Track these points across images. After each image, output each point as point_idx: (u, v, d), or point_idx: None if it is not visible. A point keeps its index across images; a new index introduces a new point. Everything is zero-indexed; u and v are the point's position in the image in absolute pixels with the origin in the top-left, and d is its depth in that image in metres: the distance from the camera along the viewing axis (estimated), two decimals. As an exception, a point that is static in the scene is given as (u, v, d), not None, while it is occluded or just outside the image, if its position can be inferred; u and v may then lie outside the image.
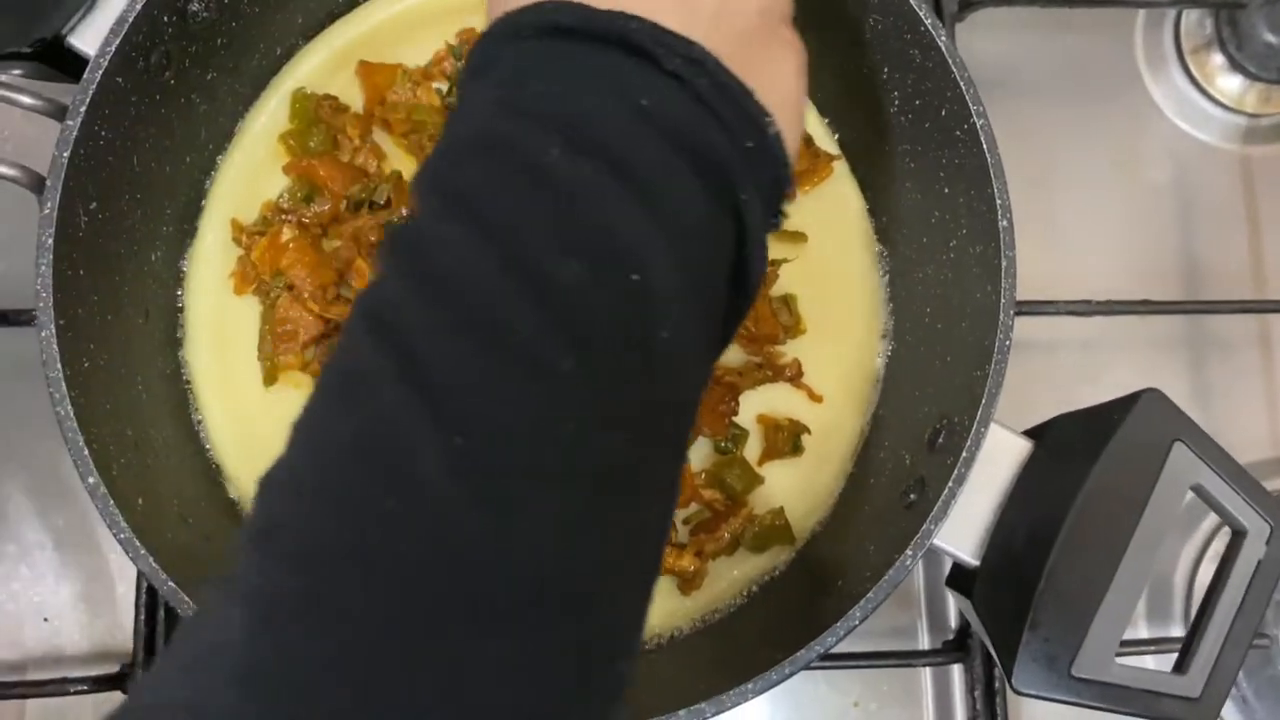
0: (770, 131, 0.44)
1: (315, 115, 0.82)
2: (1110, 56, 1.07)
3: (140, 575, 0.84)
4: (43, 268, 0.65)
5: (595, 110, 0.40)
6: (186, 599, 0.63)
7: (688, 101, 0.41)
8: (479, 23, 0.84)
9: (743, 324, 0.52)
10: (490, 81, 0.43)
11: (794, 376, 0.83)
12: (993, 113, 0.73)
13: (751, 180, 0.43)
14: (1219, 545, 0.98)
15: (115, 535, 0.63)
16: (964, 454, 0.68)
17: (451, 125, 0.44)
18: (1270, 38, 1.03)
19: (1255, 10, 1.02)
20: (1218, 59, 1.05)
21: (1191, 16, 1.06)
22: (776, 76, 0.48)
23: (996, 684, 0.86)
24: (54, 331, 0.64)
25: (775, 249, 0.84)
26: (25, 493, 0.92)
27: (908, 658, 0.91)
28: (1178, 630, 0.96)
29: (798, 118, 0.49)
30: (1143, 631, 0.96)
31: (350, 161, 0.82)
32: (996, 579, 0.68)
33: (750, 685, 0.64)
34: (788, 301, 0.83)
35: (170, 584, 0.63)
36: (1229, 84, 1.05)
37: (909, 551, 0.67)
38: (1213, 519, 0.99)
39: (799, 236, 0.85)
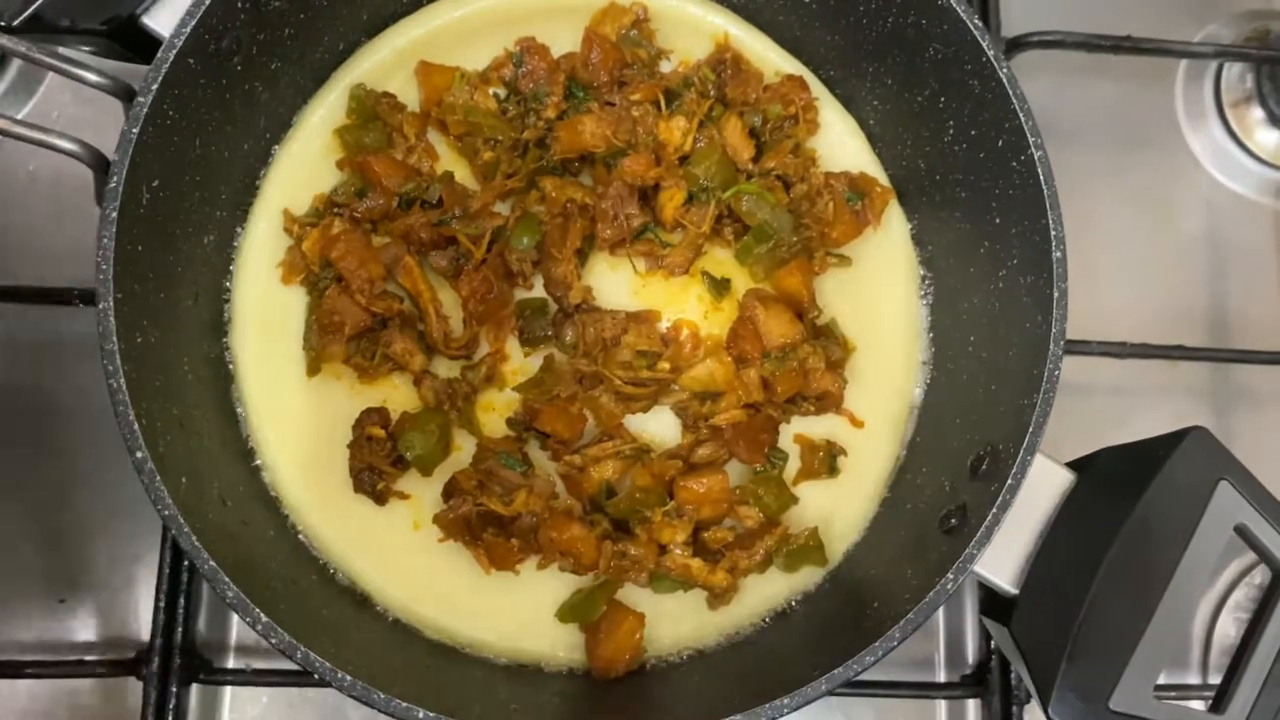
0: None
1: (372, 111, 0.83)
2: (1151, 106, 1.09)
3: (162, 564, 0.84)
4: (105, 240, 0.65)
5: None
6: (227, 579, 0.62)
7: None
8: (539, 31, 0.85)
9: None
10: None
11: (836, 405, 0.83)
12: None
13: None
14: (1240, 596, 0.98)
15: (160, 511, 0.63)
16: (1009, 481, 0.68)
17: None
18: (1310, 95, 1.04)
19: (1296, 68, 1.04)
20: (1258, 113, 1.06)
21: (1233, 70, 1.07)
22: None
23: (1015, 720, 0.86)
24: (111, 304, 0.64)
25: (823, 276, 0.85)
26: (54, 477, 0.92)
27: (925, 689, 0.91)
28: (1195, 678, 0.96)
29: None
30: (1162, 677, 0.95)
31: (404, 160, 0.83)
32: (1036, 608, 0.68)
33: (787, 700, 0.64)
34: (831, 330, 0.84)
35: (210, 563, 0.63)
36: (1268, 139, 1.06)
37: (950, 575, 0.66)
38: (1233, 570, 0.99)
39: (844, 260, 0.85)
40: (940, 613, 0.94)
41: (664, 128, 0.83)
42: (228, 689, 0.89)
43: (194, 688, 0.86)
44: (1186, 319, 1.05)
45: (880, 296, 0.86)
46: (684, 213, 0.83)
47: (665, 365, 0.80)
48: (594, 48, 0.84)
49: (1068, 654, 0.65)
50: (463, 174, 0.84)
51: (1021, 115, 0.71)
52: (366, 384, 0.80)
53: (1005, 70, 0.72)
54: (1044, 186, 0.71)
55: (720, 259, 0.85)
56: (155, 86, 0.67)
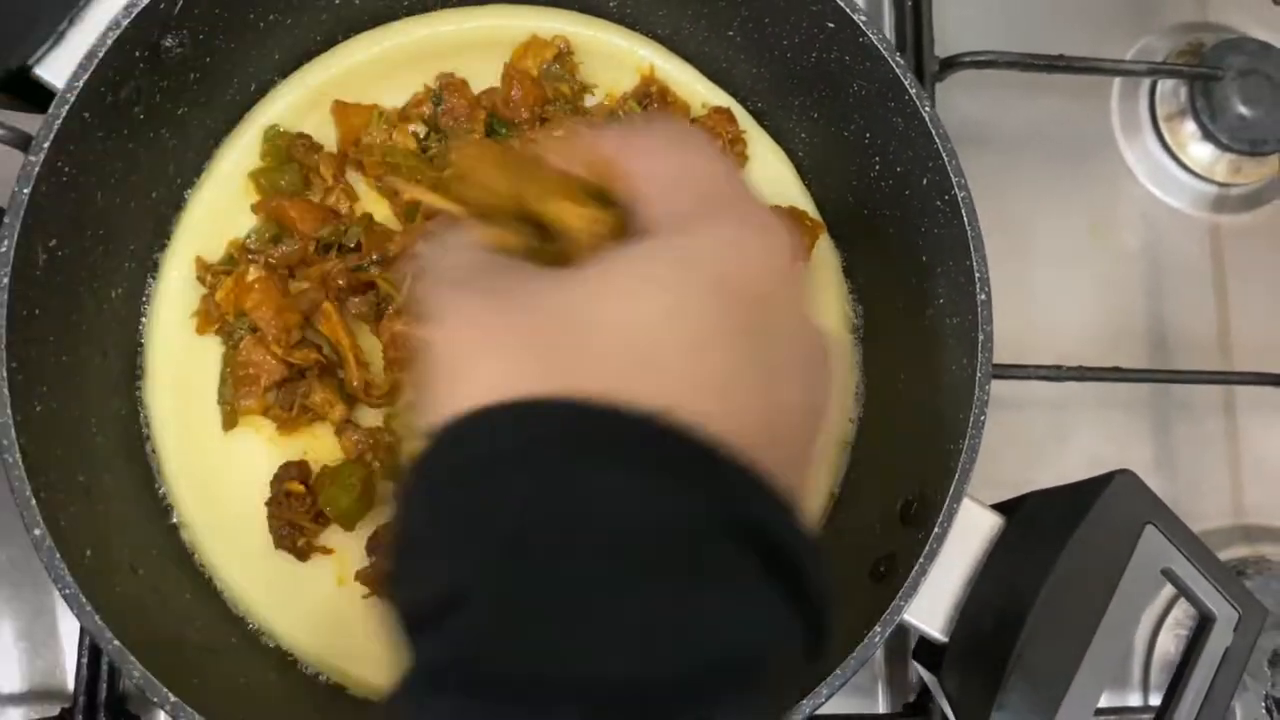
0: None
1: (287, 154, 0.81)
2: (1086, 121, 1.08)
3: (85, 616, 0.82)
4: (-3, 309, 0.62)
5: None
6: (133, 660, 0.60)
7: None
8: (458, 67, 0.83)
9: None
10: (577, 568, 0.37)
11: None
12: (968, 171, 0.72)
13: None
14: (1179, 614, 0.98)
15: (60, 591, 0.61)
16: (935, 529, 0.67)
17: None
18: (1243, 110, 1.04)
19: (1229, 82, 1.04)
20: (1190, 127, 1.06)
21: (1166, 85, 1.07)
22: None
23: (958, 753, 0.86)
24: (5, 375, 0.62)
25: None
26: (-33, 527, 0.89)
27: (867, 721, 0.91)
28: (1135, 698, 0.96)
29: None
30: (1102, 700, 0.95)
31: (321, 202, 0.80)
32: (964, 656, 0.68)
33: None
34: None
35: (116, 643, 0.61)
36: (1201, 153, 1.06)
37: (877, 629, 0.66)
38: (1171, 589, 0.99)
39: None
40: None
41: (588, 164, 0.81)
42: (157, 744, 0.87)
43: (121, 743, 0.84)
44: (1125, 334, 1.05)
45: (813, 329, 0.85)
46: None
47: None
48: (515, 84, 0.82)
49: (996, 704, 0.65)
50: (383, 214, 0.82)
51: (945, 155, 0.71)
52: (286, 435, 0.78)
53: (928, 110, 0.71)
54: (968, 227, 0.70)
55: (650, 296, 0.83)
56: (47, 145, 0.64)
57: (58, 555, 0.61)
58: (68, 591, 0.61)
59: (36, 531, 0.61)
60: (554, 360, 0.39)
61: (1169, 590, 0.99)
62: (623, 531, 0.37)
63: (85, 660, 0.81)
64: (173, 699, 0.61)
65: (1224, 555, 1.00)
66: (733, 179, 0.48)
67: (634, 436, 0.38)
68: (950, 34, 1.01)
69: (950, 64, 0.97)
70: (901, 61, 0.71)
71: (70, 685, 0.85)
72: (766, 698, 0.38)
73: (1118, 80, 1.09)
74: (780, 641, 0.39)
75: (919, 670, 0.71)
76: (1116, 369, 0.95)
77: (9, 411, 0.62)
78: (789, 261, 0.44)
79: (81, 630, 0.82)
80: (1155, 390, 1.04)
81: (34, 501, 0.61)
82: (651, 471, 0.37)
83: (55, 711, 0.86)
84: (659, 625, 0.36)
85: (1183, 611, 1.00)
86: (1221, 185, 1.07)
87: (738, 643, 0.37)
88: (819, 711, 0.86)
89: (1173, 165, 1.07)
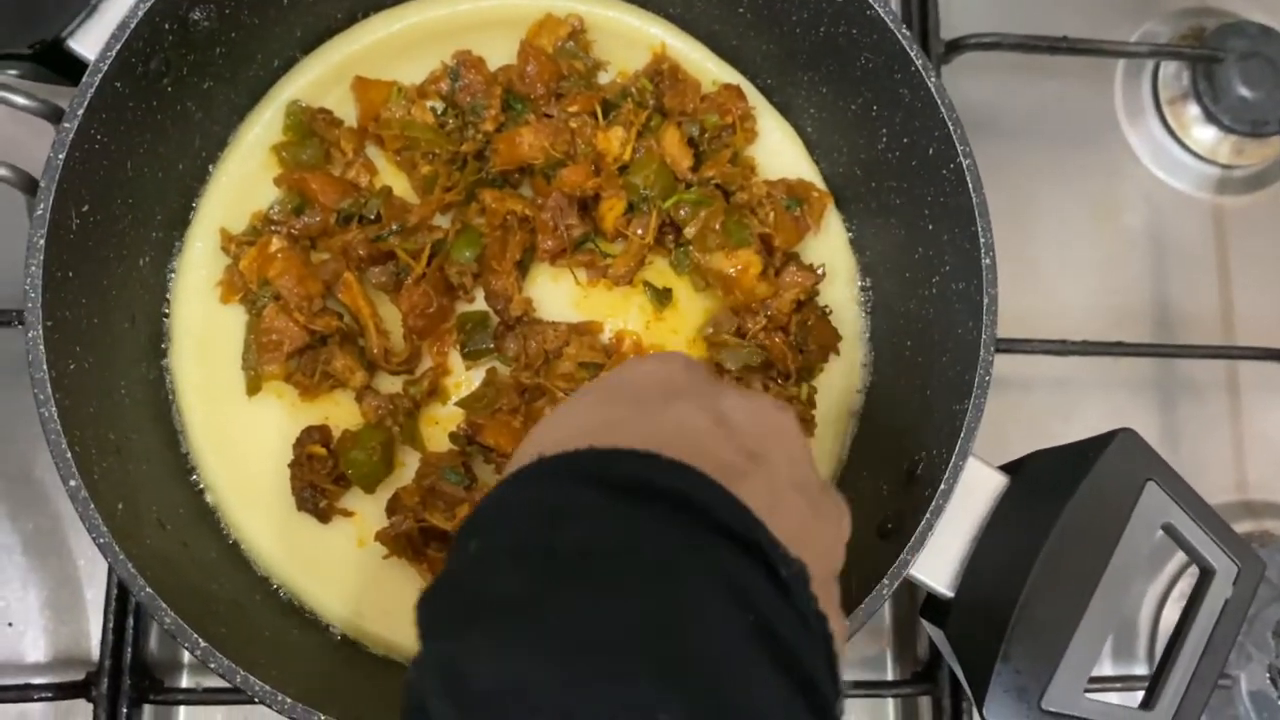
0: (835, 652, 0.44)
1: (309, 128, 0.83)
2: (1090, 103, 1.10)
3: (110, 584, 0.84)
4: (33, 268, 0.64)
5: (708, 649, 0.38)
6: (164, 605, 0.62)
7: (793, 627, 0.41)
8: (475, 44, 0.85)
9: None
10: (569, 557, 0.39)
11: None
12: (974, 152, 0.75)
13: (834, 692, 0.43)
14: (1184, 586, 1.00)
15: (95, 539, 0.63)
16: (942, 486, 0.69)
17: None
18: (1245, 92, 1.05)
19: (1231, 65, 1.05)
20: (1194, 110, 1.07)
21: (1169, 68, 1.09)
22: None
23: (964, 717, 0.87)
24: (41, 333, 0.64)
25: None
26: (-5, 495, 0.91)
27: (875, 688, 0.92)
28: (1142, 669, 0.98)
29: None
30: (1108, 668, 0.97)
31: (342, 175, 0.83)
32: (970, 611, 0.69)
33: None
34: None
35: (148, 590, 0.63)
36: (1204, 135, 1.08)
37: (885, 581, 0.67)
38: (1178, 560, 1.00)
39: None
40: (889, 610, 0.95)
41: (602, 138, 0.83)
42: (180, 708, 0.89)
43: (146, 708, 0.86)
44: (1129, 313, 1.06)
45: (821, 299, 0.87)
46: (625, 223, 0.83)
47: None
48: (530, 60, 0.84)
49: (1001, 655, 0.66)
50: (402, 188, 0.84)
51: (950, 124, 0.72)
52: (308, 401, 0.80)
53: (933, 80, 0.73)
54: (973, 194, 0.72)
55: (662, 269, 0.85)
56: (81, 112, 0.66)
57: (92, 506, 0.63)
58: (102, 540, 0.63)
59: (72, 483, 0.63)
60: None
61: (1174, 563, 1.01)
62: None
63: (111, 624, 0.83)
64: (203, 644, 0.62)
65: (1227, 530, 1.02)
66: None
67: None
68: (956, 17, 1.02)
69: (956, 46, 0.99)
70: (908, 34, 0.73)
71: (95, 653, 0.87)
72: None
73: (1121, 63, 1.10)
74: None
75: (926, 626, 0.73)
76: (1120, 343, 0.97)
77: (45, 367, 0.64)
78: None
79: (107, 597, 0.84)
80: (1159, 368, 1.05)
81: (70, 454, 0.63)
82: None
83: (80, 677, 0.88)
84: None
85: (1188, 584, 1.01)
86: (1224, 167, 1.09)
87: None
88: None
89: (1176, 147, 1.09)
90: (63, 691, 0.87)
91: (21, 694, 0.87)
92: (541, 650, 0.35)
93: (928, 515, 0.68)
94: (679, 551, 0.39)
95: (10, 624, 0.90)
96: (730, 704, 0.36)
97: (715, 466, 0.43)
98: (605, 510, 0.40)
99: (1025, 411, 1.02)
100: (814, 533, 0.49)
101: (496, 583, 0.38)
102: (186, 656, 0.90)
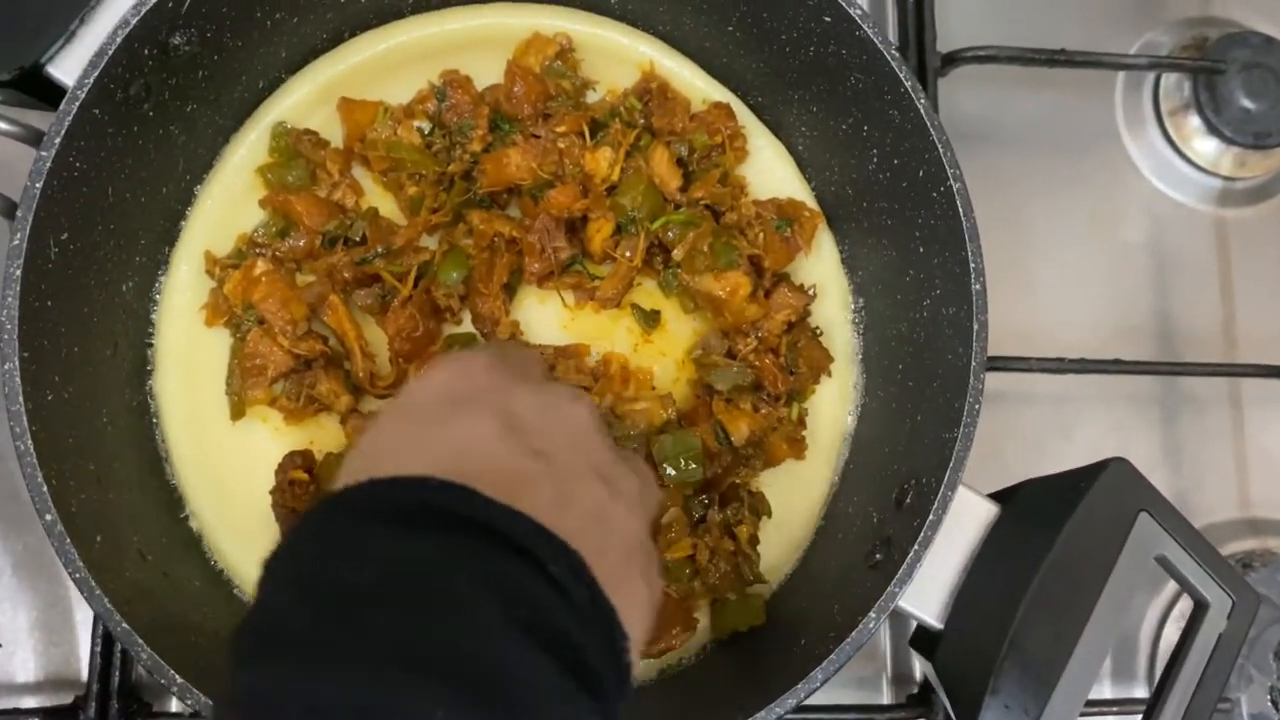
0: (626, 660, 0.47)
1: (295, 149, 0.82)
2: (1090, 115, 1.08)
3: (98, 605, 0.83)
4: (9, 299, 0.64)
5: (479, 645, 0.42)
6: (140, 642, 0.62)
7: (566, 615, 0.45)
8: (462, 63, 0.85)
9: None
10: (348, 588, 0.43)
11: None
12: (972, 165, 0.73)
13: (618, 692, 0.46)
14: (1184, 606, 0.98)
15: (70, 574, 0.62)
16: (930, 516, 0.68)
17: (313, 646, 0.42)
18: (1246, 103, 1.04)
19: (1233, 76, 1.04)
20: (1195, 122, 1.06)
21: (1170, 79, 1.07)
22: (633, 607, 0.51)
23: (958, 743, 0.86)
24: (17, 365, 0.63)
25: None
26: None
27: (869, 712, 0.91)
28: (1141, 690, 0.96)
29: (639, 645, 0.51)
30: (1107, 691, 0.96)
31: (328, 197, 0.82)
32: (959, 643, 0.68)
33: (711, 744, 0.64)
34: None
35: (123, 625, 0.62)
36: (1205, 147, 1.06)
37: (872, 614, 0.67)
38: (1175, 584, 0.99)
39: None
40: (885, 632, 0.94)
41: (590, 159, 0.82)
42: (169, 731, 0.89)
43: (134, 731, 0.85)
44: (1130, 328, 1.05)
45: (813, 320, 0.86)
46: (613, 244, 0.82)
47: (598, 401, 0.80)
48: (517, 80, 0.83)
49: (990, 689, 0.65)
50: (388, 209, 0.83)
51: (940, 147, 0.71)
52: (293, 425, 0.79)
53: (923, 102, 0.72)
54: (963, 219, 0.71)
55: (651, 290, 0.84)
56: (57, 141, 0.66)
57: (68, 540, 0.63)
58: (78, 575, 0.62)
59: (48, 517, 0.63)
60: None
61: (1175, 583, 0.99)
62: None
63: (99, 649, 0.83)
64: (179, 681, 0.62)
65: (1230, 548, 1.00)
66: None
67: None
68: (953, 30, 1.01)
69: (952, 59, 0.98)
70: (897, 55, 0.72)
71: (84, 674, 0.86)
72: None
73: (1121, 75, 1.09)
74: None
75: (916, 657, 0.72)
76: (1118, 361, 0.95)
77: (21, 400, 0.63)
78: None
79: (95, 619, 0.83)
80: (1160, 384, 1.04)
81: (45, 488, 0.63)
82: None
83: (69, 699, 0.88)
84: None
85: (1188, 603, 1.00)
86: (1226, 179, 1.07)
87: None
88: (822, 702, 0.87)
89: (1177, 160, 1.07)
90: (51, 715, 0.86)
91: (10, 717, 0.87)
92: (331, 677, 0.39)
93: (915, 547, 0.67)
94: (451, 567, 0.43)
95: (0, 645, 0.90)
96: (500, 691, 0.40)
97: (493, 478, 0.46)
98: (382, 541, 0.44)
99: (1024, 427, 1.01)
100: (610, 513, 0.53)
101: (289, 619, 0.42)
102: (176, 679, 0.90)
